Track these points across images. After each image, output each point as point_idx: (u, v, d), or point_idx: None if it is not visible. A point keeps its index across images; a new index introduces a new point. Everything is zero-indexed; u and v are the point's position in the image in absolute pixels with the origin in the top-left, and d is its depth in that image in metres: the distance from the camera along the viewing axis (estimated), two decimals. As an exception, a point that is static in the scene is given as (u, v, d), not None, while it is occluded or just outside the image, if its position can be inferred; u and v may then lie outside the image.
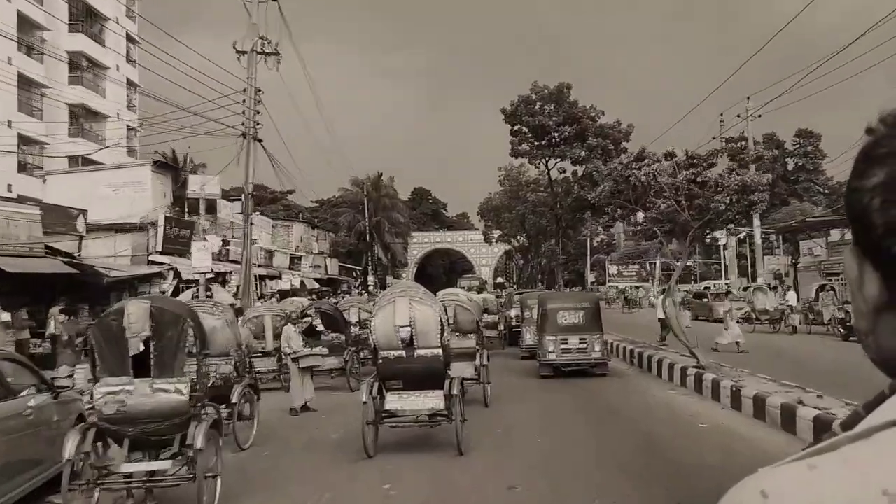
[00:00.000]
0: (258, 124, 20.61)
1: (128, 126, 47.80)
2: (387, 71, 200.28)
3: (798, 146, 63.52)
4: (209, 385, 8.51)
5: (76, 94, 42.68)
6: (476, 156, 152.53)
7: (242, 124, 20.53)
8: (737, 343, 17.48)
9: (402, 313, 8.46)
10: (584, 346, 14.74)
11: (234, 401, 8.91)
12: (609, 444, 9.02)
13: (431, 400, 8.50)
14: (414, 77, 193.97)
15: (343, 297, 40.12)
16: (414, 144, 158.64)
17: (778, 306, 26.93)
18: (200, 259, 17.26)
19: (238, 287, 28.20)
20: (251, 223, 20.51)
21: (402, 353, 8.48)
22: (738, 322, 26.65)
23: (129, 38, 46.60)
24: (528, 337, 18.02)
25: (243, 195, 20.43)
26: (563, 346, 14.74)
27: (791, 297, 28.06)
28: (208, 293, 18.74)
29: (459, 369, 10.68)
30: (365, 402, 8.34)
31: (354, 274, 62.93)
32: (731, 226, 13.58)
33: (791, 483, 0.58)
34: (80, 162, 38.38)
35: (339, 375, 14.64)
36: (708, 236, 14.20)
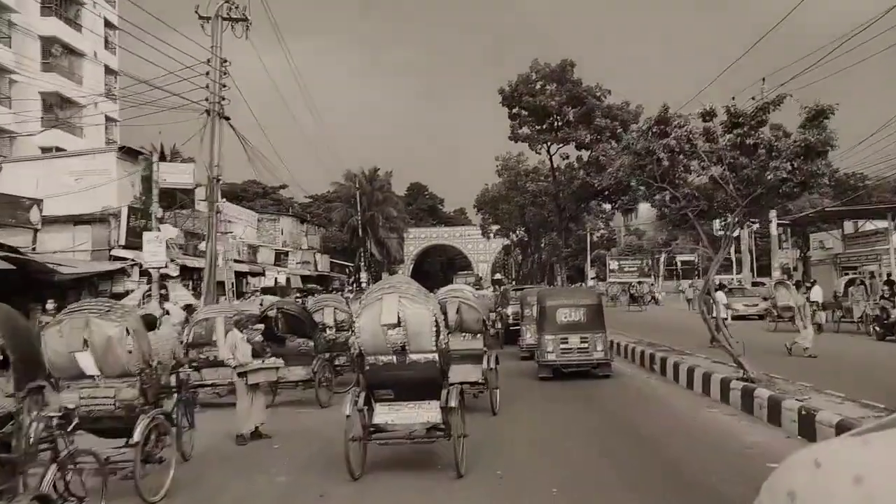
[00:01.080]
0: (224, 99, 18.19)
1: (106, 116, 45.55)
2: (383, 67, 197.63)
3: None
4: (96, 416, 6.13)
5: (49, 82, 40.34)
6: (474, 152, 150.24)
7: (206, 99, 18.10)
8: (788, 345, 15.19)
9: (391, 312, 7.30)
10: (586, 345, 13.75)
11: (136, 439, 6.49)
12: (650, 489, 6.66)
13: (427, 412, 7.48)
14: (411, 73, 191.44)
15: (334, 294, 38.02)
16: (411, 140, 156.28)
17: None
18: (153, 252, 14.86)
19: (223, 285, 25.91)
20: (217, 211, 18.08)
21: (393, 358, 7.43)
22: (774, 320, 24.35)
23: (109, 24, 44.25)
24: (528, 336, 16.80)
25: (207, 179, 18.00)
26: (563, 346, 13.78)
27: (816, 292, 25.61)
28: (163, 291, 16.31)
29: (465, 373, 10.35)
30: (349, 416, 7.23)
31: (347, 270, 60.85)
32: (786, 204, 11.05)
33: (843, 455, 0.60)
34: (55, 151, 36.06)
35: (308, 388, 12.29)
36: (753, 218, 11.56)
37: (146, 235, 15.26)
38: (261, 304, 16.31)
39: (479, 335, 11.48)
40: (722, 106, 9.61)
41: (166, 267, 17.25)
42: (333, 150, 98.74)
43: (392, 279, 8.76)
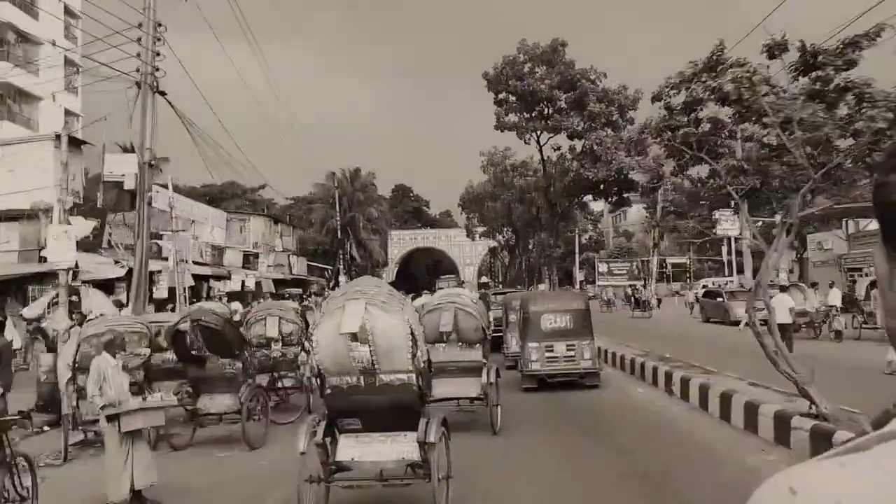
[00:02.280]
0: (157, 69, 15.36)
1: (66, 110, 42.69)
2: (369, 68, 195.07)
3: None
4: None
5: (1, 71, 37.47)
6: (460, 153, 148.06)
7: (137, 70, 15.27)
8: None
9: (354, 322, 5.93)
10: (572, 353, 12.99)
11: None
12: None
13: (402, 446, 6.20)
14: (398, 75, 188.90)
15: (310, 299, 35.11)
16: (396, 142, 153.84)
17: (820, 307, 22.13)
18: (59, 250, 12.03)
19: (180, 291, 22.98)
20: (150, 203, 15.24)
21: (359, 379, 6.18)
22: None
23: (69, 12, 41.32)
24: (513, 344, 16.00)
25: (138, 165, 15.15)
26: (548, 355, 13.01)
27: (834, 295, 23.10)
28: (74, 298, 13.45)
29: (463, 387, 9.85)
30: (303, 453, 5.97)
31: (327, 274, 57.99)
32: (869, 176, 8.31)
33: (820, 481, 0.56)
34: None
35: (235, 422, 9.52)
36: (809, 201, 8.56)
37: (51, 230, 12.40)
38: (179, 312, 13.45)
39: (477, 345, 10.37)
40: (796, 41, 6.86)
41: (77, 267, 14.41)
42: (316, 153, 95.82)
43: (360, 281, 6.80)
